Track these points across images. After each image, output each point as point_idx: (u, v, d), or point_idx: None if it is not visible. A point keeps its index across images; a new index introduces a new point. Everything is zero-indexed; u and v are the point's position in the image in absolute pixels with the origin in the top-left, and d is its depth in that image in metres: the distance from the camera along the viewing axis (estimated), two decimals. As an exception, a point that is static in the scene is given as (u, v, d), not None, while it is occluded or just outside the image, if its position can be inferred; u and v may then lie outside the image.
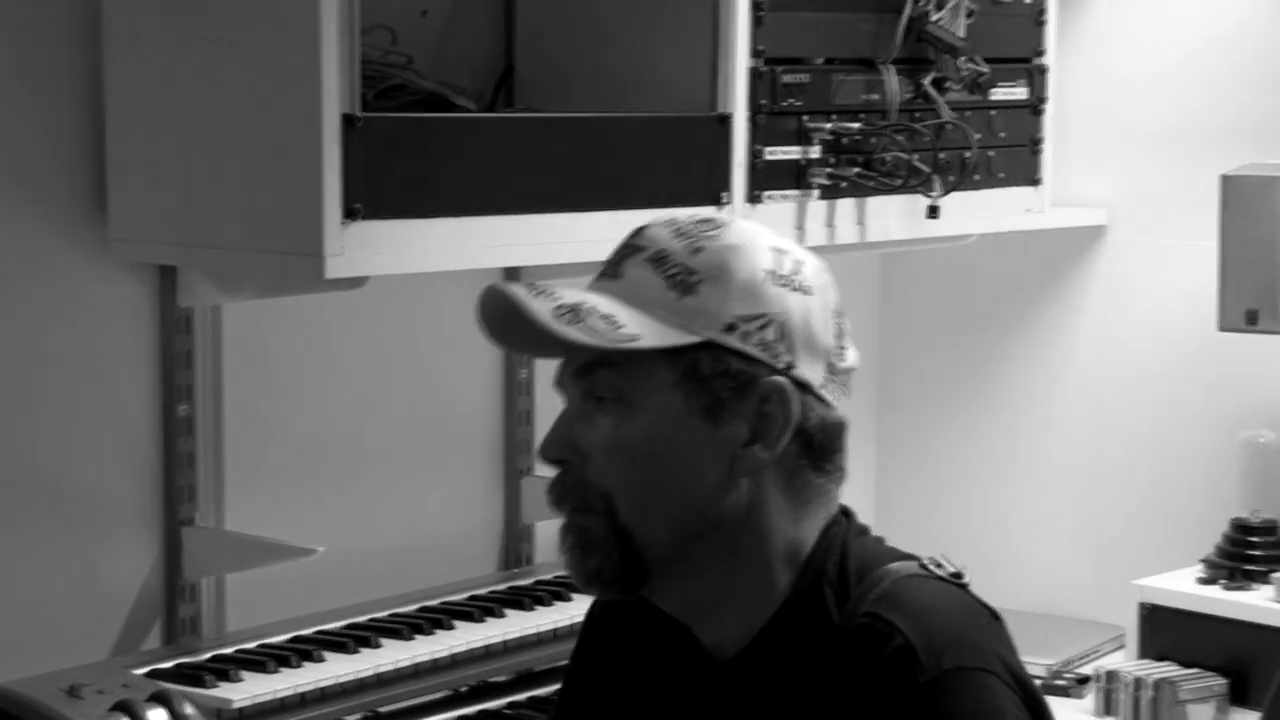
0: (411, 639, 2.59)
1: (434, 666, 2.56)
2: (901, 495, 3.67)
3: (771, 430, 1.54)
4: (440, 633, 2.63)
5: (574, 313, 1.51)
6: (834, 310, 1.59)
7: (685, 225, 1.57)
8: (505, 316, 1.53)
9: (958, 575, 1.57)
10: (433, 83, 2.59)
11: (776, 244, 1.58)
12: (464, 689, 2.59)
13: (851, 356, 1.60)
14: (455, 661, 2.58)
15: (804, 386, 1.54)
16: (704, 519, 1.54)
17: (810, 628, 1.55)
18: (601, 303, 1.53)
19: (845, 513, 1.63)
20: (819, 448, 1.56)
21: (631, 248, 1.58)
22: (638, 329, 1.51)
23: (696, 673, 1.59)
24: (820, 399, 1.56)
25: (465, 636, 2.62)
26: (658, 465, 1.53)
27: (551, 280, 1.62)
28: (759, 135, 2.71)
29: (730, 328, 1.52)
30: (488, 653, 2.61)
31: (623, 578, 1.55)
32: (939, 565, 1.57)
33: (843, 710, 1.50)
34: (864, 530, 1.63)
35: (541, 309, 1.51)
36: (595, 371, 1.54)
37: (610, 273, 1.57)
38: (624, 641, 1.67)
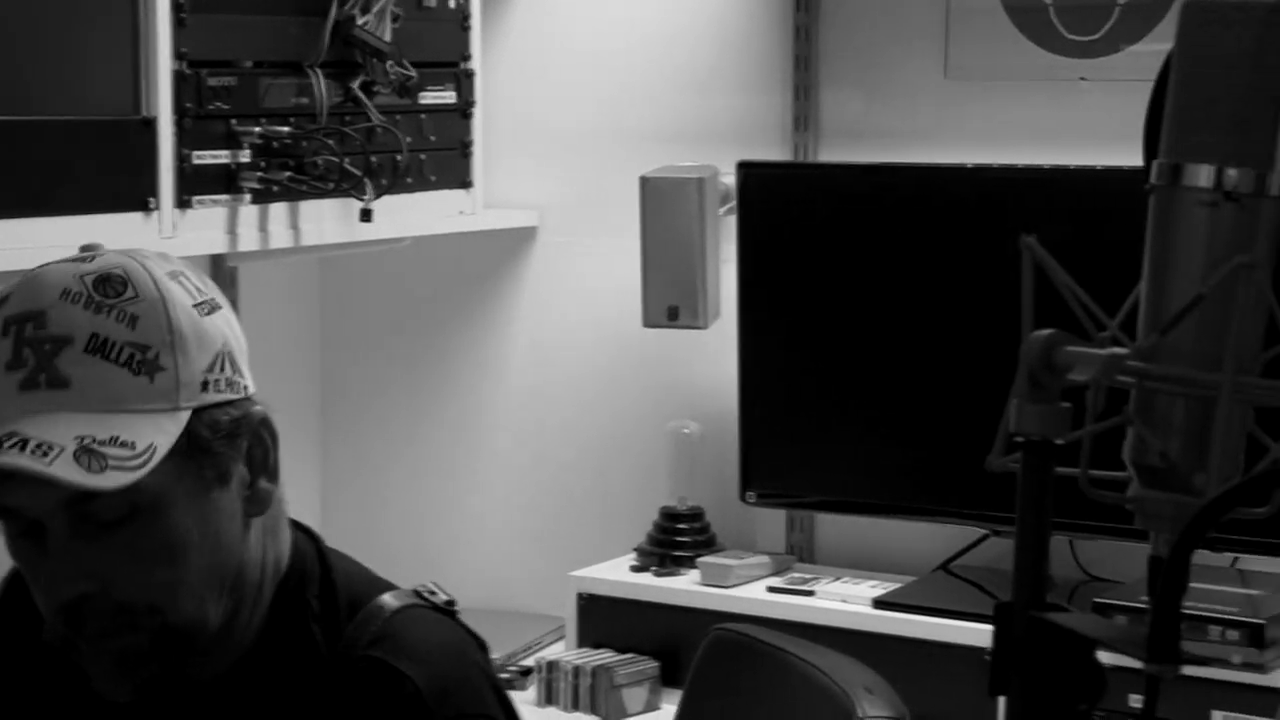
0: None
1: None
2: (347, 496, 3.67)
3: (268, 459, 1.49)
4: None
5: (90, 455, 1.37)
6: (222, 296, 1.52)
7: (91, 295, 1.42)
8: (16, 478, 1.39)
9: (450, 603, 1.57)
10: None
11: (167, 267, 1.47)
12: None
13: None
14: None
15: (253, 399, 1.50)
16: (239, 577, 1.49)
17: (296, 657, 1.51)
18: (93, 425, 1.38)
19: (300, 527, 1.58)
20: (271, 448, 1.51)
21: (51, 341, 1.41)
22: (143, 436, 1.39)
23: (166, 697, 1.50)
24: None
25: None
26: (196, 555, 1.44)
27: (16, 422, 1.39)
28: (186, 139, 2.67)
29: (205, 385, 1.44)
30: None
31: (172, 673, 1.46)
32: (432, 593, 1.56)
33: None
34: (329, 550, 1.58)
35: (63, 470, 1.36)
36: (96, 498, 1.39)
37: (50, 380, 1.40)
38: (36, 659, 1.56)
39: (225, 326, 1.48)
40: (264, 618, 1.52)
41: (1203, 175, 1.00)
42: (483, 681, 1.53)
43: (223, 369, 1.46)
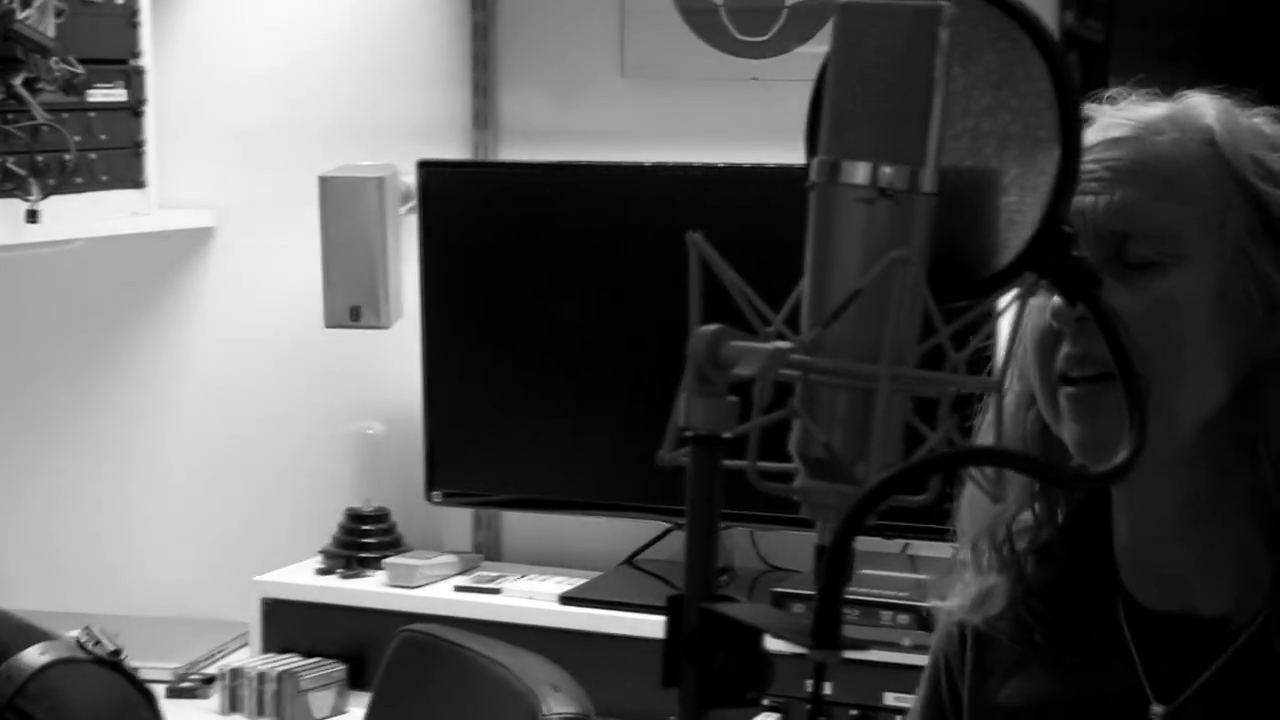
0: None
1: None
2: (20, 505, 3.55)
3: None
4: None
5: None
6: None
7: None
8: None
9: (115, 653, 1.50)
10: None
11: None
12: None
13: None
14: None
15: None
16: None
17: None
18: None
19: None
20: None
21: None
22: None
23: None
24: None
25: None
26: None
27: None
28: None
29: None
30: None
31: None
32: (97, 643, 1.49)
33: None
34: None
35: None
36: None
37: None
38: None
39: None
40: None
41: (859, 172, 1.02)
42: None
43: None
